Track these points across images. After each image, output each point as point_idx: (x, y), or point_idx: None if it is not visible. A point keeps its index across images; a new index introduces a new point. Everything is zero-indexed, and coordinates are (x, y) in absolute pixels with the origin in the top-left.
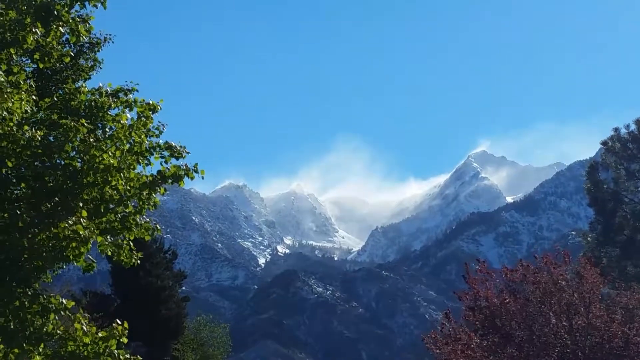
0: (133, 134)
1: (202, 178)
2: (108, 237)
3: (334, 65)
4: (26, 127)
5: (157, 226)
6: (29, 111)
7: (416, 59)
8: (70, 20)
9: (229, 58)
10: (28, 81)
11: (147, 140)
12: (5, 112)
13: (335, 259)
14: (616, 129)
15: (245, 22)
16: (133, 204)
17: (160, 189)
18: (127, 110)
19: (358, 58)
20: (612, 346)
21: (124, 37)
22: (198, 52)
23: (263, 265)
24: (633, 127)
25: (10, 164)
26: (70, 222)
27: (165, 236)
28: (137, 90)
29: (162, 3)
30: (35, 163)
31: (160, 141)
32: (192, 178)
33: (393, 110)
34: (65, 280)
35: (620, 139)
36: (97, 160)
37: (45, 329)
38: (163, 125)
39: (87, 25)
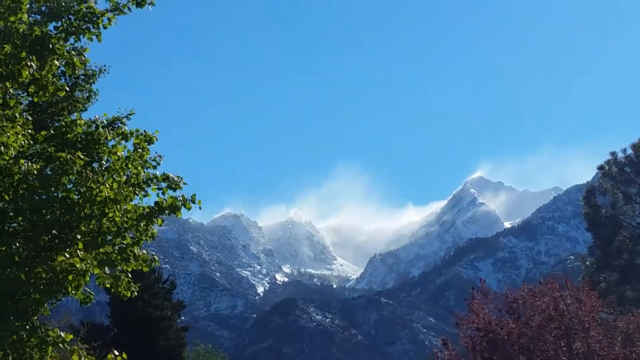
0: (130, 165)
1: (200, 208)
2: (106, 269)
3: (333, 92)
4: (22, 161)
5: (155, 257)
6: (25, 144)
7: (415, 83)
8: (66, 53)
9: (226, 86)
10: (24, 114)
11: (144, 172)
12: (1, 146)
13: (334, 286)
14: (613, 153)
15: (242, 51)
16: (131, 235)
17: (157, 220)
18: (123, 142)
19: (357, 84)
20: None
21: (119, 67)
22: (194, 81)
23: (262, 293)
24: (630, 151)
25: (7, 198)
26: (67, 254)
27: (163, 266)
28: (134, 114)
29: (159, 33)
30: (33, 196)
31: (158, 172)
32: (189, 208)
33: (393, 136)
34: (64, 312)
35: (617, 163)
36: (94, 192)
37: None
38: (160, 156)
39: (83, 57)
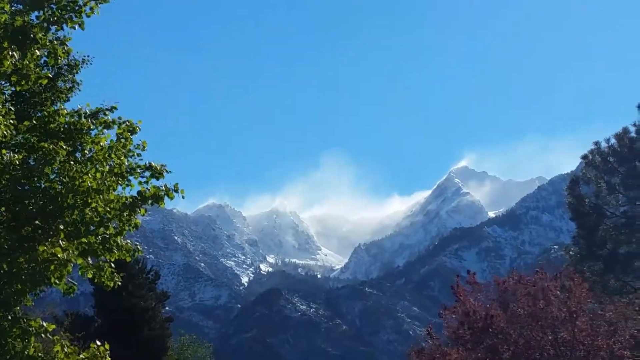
0: (113, 155)
1: (183, 197)
2: (89, 259)
3: (320, 81)
4: (4, 151)
5: (138, 247)
6: (7, 135)
7: (403, 73)
8: (48, 43)
9: (211, 74)
10: (6, 105)
11: (127, 161)
12: None
13: (319, 276)
14: (597, 143)
15: (227, 40)
16: (114, 225)
17: (140, 209)
18: (105, 131)
19: (343, 73)
20: (597, 359)
21: (103, 57)
22: (179, 70)
23: (246, 284)
24: (613, 141)
25: None
26: (48, 244)
27: (147, 257)
28: (116, 109)
29: (143, 22)
30: (16, 186)
31: (141, 162)
32: (172, 198)
33: (379, 126)
34: (48, 302)
35: (600, 152)
36: (77, 182)
37: (26, 352)
38: (144, 143)
39: (65, 47)
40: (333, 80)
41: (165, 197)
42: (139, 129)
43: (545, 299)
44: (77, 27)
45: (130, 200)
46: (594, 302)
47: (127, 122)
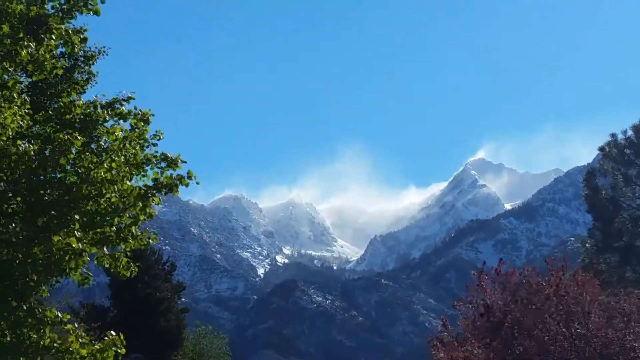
0: (127, 145)
1: (197, 183)
2: (104, 249)
3: (336, 71)
4: (19, 142)
5: (153, 235)
6: (23, 125)
7: (421, 64)
8: (63, 33)
9: (227, 66)
10: (23, 95)
11: (143, 152)
12: None
13: (334, 268)
14: (613, 135)
15: (243, 30)
16: (129, 215)
17: (155, 198)
18: (121, 122)
19: (360, 63)
20: (609, 352)
21: (119, 47)
22: (196, 62)
23: (262, 275)
24: (630, 132)
25: (5, 178)
26: (63, 235)
27: (164, 248)
28: (133, 99)
29: (159, 13)
30: (31, 177)
31: (157, 152)
32: (186, 185)
33: (397, 117)
34: (64, 293)
35: (617, 144)
36: (92, 173)
37: (42, 343)
38: (160, 133)
39: (81, 35)
40: (351, 70)
41: (182, 188)
42: (151, 115)
43: (557, 292)
44: (92, 15)
45: (145, 189)
46: (609, 295)
47: (140, 112)
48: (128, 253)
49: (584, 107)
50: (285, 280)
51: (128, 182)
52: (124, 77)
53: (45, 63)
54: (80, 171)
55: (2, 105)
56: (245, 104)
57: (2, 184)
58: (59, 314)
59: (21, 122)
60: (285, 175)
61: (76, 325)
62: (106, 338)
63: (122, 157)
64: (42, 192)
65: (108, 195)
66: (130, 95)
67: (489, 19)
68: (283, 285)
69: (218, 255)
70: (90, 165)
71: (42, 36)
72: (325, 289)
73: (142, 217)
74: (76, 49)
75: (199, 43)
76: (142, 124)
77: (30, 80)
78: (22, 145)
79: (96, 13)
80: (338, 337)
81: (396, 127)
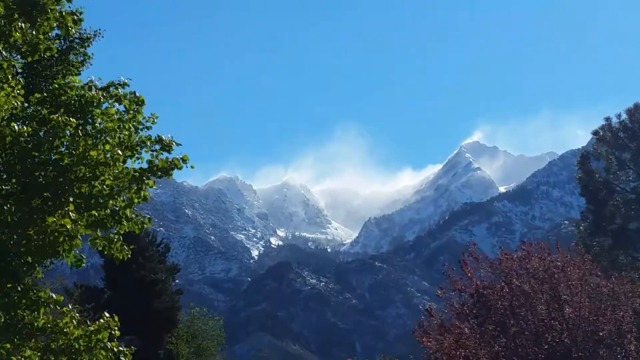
0: (122, 127)
1: (192, 167)
2: (98, 231)
3: (331, 53)
4: (13, 124)
5: (147, 218)
6: (17, 106)
7: (416, 46)
8: (57, 14)
9: (222, 48)
10: (17, 77)
11: (138, 134)
12: None
13: (329, 250)
14: (607, 119)
15: (239, 13)
16: (123, 198)
17: (149, 181)
18: (116, 104)
19: (355, 45)
20: (603, 335)
21: (116, 31)
22: (190, 44)
23: (256, 257)
24: (624, 116)
25: None
26: (57, 216)
27: (158, 229)
28: (128, 85)
29: None
30: (26, 158)
31: (151, 135)
32: (180, 168)
33: (393, 99)
34: (58, 274)
35: (611, 128)
36: (87, 155)
37: (36, 324)
38: (155, 117)
39: (76, 17)
40: (346, 52)
41: (176, 170)
42: (146, 101)
43: (546, 272)
44: None
45: (139, 172)
46: (602, 278)
47: (134, 94)
48: (121, 236)
49: (579, 91)
50: (279, 262)
51: (122, 165)
52: (119, 60)
53: (40, 44)
54: (74, 153)
55: None
56: (241, 86)
57: None
58: (53, 295)
59: (15, 103)
60: (280, 156)
61: (70, 306)
62: (101, 320)
63: (117, 139)
64: (36, 173)
65: (103, 178)
66: (125, 82)
67: (487, 3)
68: (277, 267)
69: (212, 237)
70: (84, 146)
71: (37, 18)
72: (319, 271)
73: (136, 200)
74: (71, 31)
75: (195, 27)
76: (136, 105)
77: (24, 61)
78: (17, 126)
79: None
80: (332, 320)
81: (392, 109)
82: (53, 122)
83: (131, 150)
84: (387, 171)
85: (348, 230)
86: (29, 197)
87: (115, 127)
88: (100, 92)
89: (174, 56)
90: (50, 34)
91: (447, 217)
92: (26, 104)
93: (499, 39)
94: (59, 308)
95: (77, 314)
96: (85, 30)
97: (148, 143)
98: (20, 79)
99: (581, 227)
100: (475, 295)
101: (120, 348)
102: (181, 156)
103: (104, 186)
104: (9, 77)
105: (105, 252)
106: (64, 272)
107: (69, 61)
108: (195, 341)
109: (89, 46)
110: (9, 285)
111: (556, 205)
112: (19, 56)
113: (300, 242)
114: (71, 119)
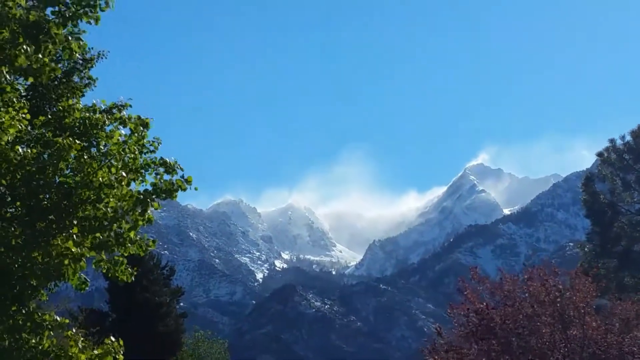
0: (127, 150)
1: (196, 189)
2: (103, 253)
3: (336, 76)
4: (17, 147)
5: (152, 241)
6: (22, 129)
7: (422, 69)
8: (62, 38)
9: (227, 70)
10: (21, 100)
11: (142, 157)
12: None
13: (333, 273)
14: (612, 140)
15: (243, 33)
16: (127, 220)
17: (153, 203)
18: (120, 127)
19: (361, 67)
20: (608, 357)
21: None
22: (194, 66)
23: (261, 280)
24: (628, 138)
25: (4, 183)
26: (62, 239)
27: (162, 252)
28: (130, 106)
29: (157, 19)
30: (30, 181)
31: (155, 157)
32: (184, 189)
33: (398, 122)
34: (63, 297)
35: (616, 150)
36: (91, 177)
37: (40, 348)
38: (158, 140)
39: (81, 42)
40: (351, 75)
41: (180, 193)
42: (151, 120)
43: (548, 295)
44: (92, 22)
45: (144, 194)
46: (608, 300)
47: (138, 117)
48: (125, 259)
49: (583, 113)
50: (283, 285)
51: (127, 187)
52: (123, 81)
53: (45, 67)
54: (79, 175)
55: (1, 109)
56: (246, 109)
57: (1, 188)
58: (58, 318)
59: (20, 126)
60: (285, 179)
61: (74, 330)
62: (105, 343)
63: (121, 162)
64: (41, 196)
65: (107, 200)
66: (126, 103)
67: (490, 24)
68: (281, 290)
69: (217, 260)
70: (89, 169)
71: (42, 42)
72: (323, 293)
73: (141, 222)
74: (74, 55)
75: (198, 48)
76: (142, 128)
77: (27, 83)
78: (21, 149)
79: (96, 21)
80: (336, 342)
81: (397, 132)
82: (58, 145)
83: (135, 173)
84: (392, 193)
85: (352, 252)
86: (33, 220)
87: (120, 149)
88: (104, 115)
89: (177, 78)
90: (54, 57)
91: (451, 240)
92: (30, 127)
93: (503, 62)
94: (64, 332)
95: (82, 338)
96: (89, 49)
97: (152, 165)
98: (25, 102)
99: (586, 249)
100: (479, 316)
101: None
102: (185, 177)
103: (108, 209)
104: (14, 99)
105: (110, 275)
106: (68, 296)
107: (73, 83)
108: None
109: (92, 67)
110: (13, 308)
111: (561, 227)
112: (22, 79)
113: (304, 265)
114: (76, 141)
